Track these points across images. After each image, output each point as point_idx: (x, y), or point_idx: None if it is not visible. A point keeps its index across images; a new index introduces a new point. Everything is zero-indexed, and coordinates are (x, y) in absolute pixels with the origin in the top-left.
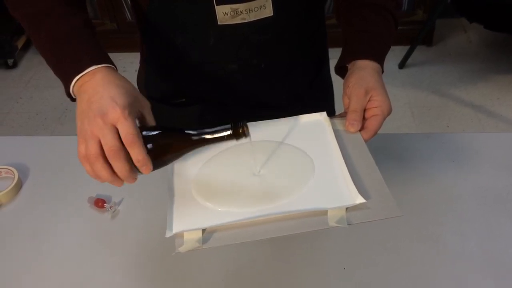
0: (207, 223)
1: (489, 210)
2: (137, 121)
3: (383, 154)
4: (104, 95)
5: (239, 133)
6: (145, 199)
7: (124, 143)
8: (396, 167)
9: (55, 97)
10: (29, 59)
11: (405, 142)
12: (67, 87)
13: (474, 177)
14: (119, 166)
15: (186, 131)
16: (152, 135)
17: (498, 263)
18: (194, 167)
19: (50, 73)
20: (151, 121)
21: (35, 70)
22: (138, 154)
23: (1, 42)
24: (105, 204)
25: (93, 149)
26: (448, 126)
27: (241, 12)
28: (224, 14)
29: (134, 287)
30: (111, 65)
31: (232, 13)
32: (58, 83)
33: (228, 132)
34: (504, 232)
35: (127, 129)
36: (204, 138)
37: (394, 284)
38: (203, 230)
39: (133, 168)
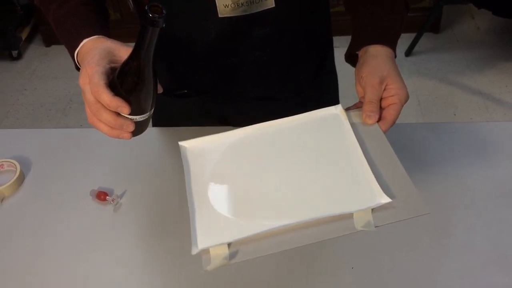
0: (232, 236)
1: (496, 202)
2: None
3: None
4: (85, 62)
5: (152, 18)
6: (147, 192)
7: (93, 96)
8: (401, 158)
9: (59, 89)
10: (33, 50)
11: (411, 132)
12: (75, 64)
13: (481, 168)
14: (103, 118)
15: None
16: (114, 75)
17: (508, 257)
18: (209, 172)
19: (55, 64)
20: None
21: (39, 61)
22: (104, 100)
23: (5, 34)
24: (107, 197)
25: (87, 109)
26: (455, 115)
27: (242, 4)
28: (224, 7)
29: (137, 280)
30: (100, 34)
31: (233, 5)
32: (62, 74)
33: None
34: None
35: (91, 82)
36: (138, 43)
37: (402, 281)
38: (229, 244)
39: (121, 116)
